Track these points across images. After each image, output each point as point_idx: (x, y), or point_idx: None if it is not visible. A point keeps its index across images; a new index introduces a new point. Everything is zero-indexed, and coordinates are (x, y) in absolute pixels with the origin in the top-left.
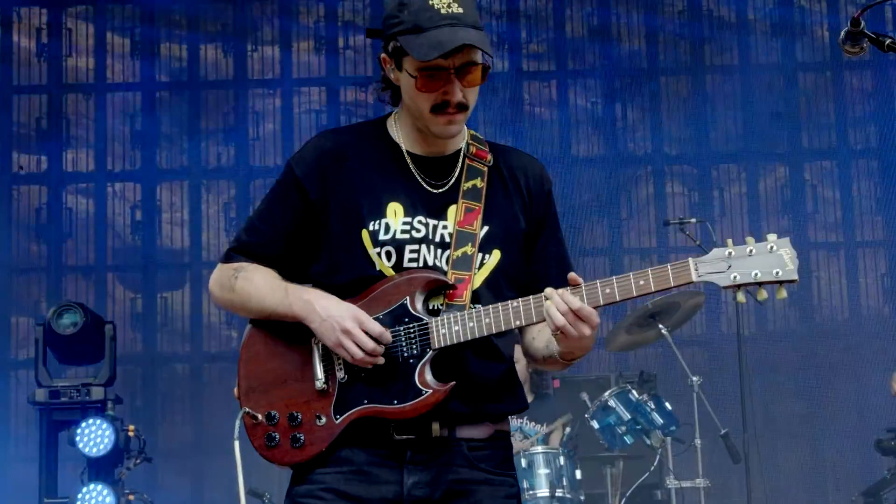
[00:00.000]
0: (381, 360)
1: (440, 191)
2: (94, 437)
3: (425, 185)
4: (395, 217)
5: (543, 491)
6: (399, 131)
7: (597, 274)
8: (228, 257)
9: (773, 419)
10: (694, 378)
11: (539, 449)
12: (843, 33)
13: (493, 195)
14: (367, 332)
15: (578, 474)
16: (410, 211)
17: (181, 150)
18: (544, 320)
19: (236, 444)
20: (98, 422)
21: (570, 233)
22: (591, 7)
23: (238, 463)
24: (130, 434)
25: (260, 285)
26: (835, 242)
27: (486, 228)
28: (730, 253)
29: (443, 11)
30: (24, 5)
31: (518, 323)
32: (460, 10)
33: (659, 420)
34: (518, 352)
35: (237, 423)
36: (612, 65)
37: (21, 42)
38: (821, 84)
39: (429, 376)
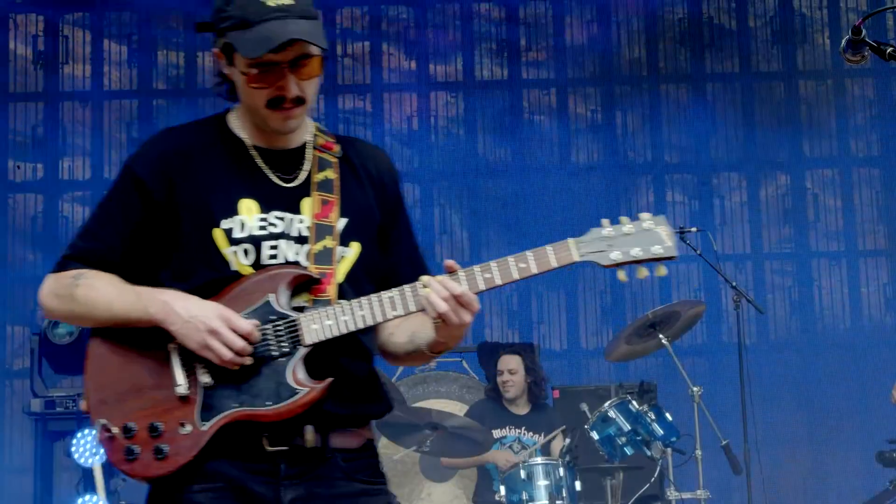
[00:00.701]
0: (249, 361)
1: (292, 185)
2: (90, 447)
3: (276, 180)
4: (249, 214)
5: (543, 502)
6: (241, 126)
7: (597, 284)
8: (63, 265)
9: (775, 430)
10: (694, 388)
11: (538, 460)
12: (844, 41)
13: (348, 186)
14: (234, 331)
15: (578, 485)
16: (265, 206)
17: None
18: (422, 309)
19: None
20: (93, 432)
21: None
22: (591, 14)
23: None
24: None
25: (106, 291)
26: (836, 251)
27: (344, 221)
28: (609, 232)
29: (270, 3)
30: (21, 12)
31: (394, 313)
32: (290, 2)
33: (659, 431)
34: (516, 362)
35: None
36: (611, 72)
37: (17, 49)
38: (822, 92)
39: (302, 375)
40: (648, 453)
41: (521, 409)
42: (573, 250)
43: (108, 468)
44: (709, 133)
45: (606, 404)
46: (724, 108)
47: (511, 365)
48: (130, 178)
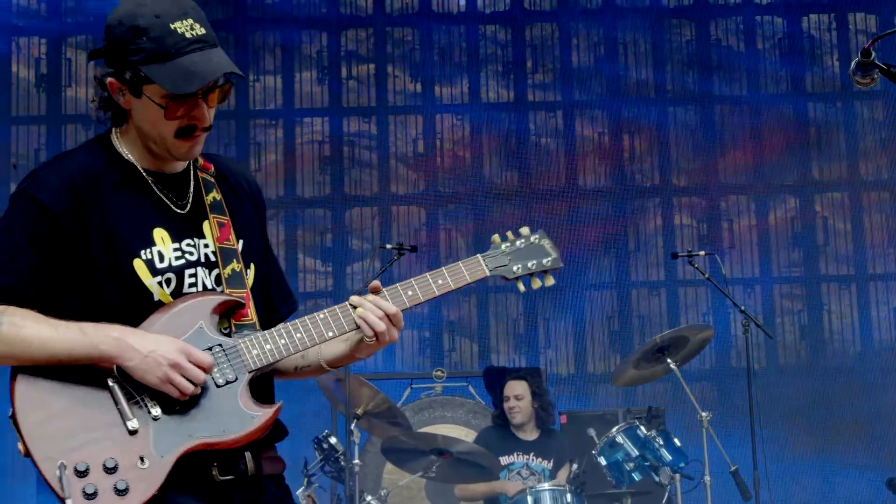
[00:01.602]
0: (198, 390)
1: (188, 209)
2: None
3: (172, 206)
4: (164, 244)
5: None
6: (129, 150)
7: (604, 309)
8: None
9: (784, 456)
10: (703, 413)
11: (546, 486)
12: (853, 64)
13: (233, 206)
14: (194, 364)
15: None
16: (174, 235)
17: None
18: (356, 328)
19: None
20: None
21: (576, 266)
22: (598, 36)
23: None
24: None
25: (38, 329)
26: (846, 275)
27: (241, 242)
28: (507, 247)
29: (188, 35)
30: (24, 35)
31: (331, 334)
32: (203, 31)
33: (668, 456)
34: (523, 388)
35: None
36: (619, 94)
37: (20, 71)
38: (831, 114)
39: (250, 400)
40: (657, 479)
41: (529, 434)
42: (483, 265)
43: None
44: (717, 156)
45: (614, 429)
46: (733, 130)
47: (517, 390)
48: (36, 206)
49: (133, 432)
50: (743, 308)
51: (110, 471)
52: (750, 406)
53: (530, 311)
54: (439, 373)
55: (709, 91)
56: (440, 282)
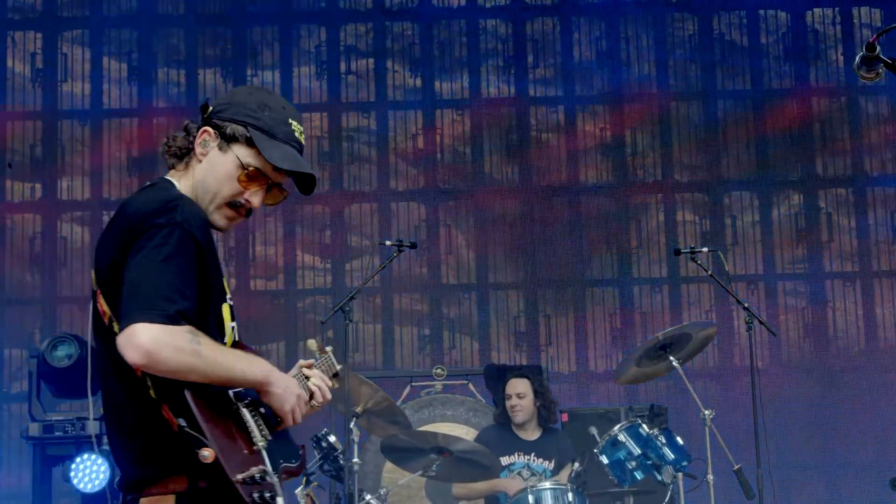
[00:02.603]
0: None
1: None
2: (89, 472)
3: None
4: (228, 292)
5: None
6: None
7: (606, 306)
8: (175, 320)
9: (788, 454)
10: (706, 411)
11: (547, 485)
12: (858, 58)
13: None
14: None
15: None
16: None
17: None
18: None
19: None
20: (93, 457)
21: (578, 262)
22: (600, 31)
23: None
24: None
25: (223, 351)
26: (850, 272)
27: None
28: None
29: (296, 134)
30: (19, 29)
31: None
32: (303, 143)
33: (670, 455)
34: (524, 386)
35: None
36: (620, 89)
37: (15, 67)
38: (835, 109)
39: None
40: (659, 478)
41: (531, 434)
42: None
43: (107, 494)
44: (720, 151)
45: (616, 428)
46: (736, 125)
47: (519, 389)
48: (192, 241)
49: (256, 452)
50: (746, 305)
51: (262, 482)
52: (753, 404)
53: (531, 308)
54: (439, 371)
55: (712, 86)
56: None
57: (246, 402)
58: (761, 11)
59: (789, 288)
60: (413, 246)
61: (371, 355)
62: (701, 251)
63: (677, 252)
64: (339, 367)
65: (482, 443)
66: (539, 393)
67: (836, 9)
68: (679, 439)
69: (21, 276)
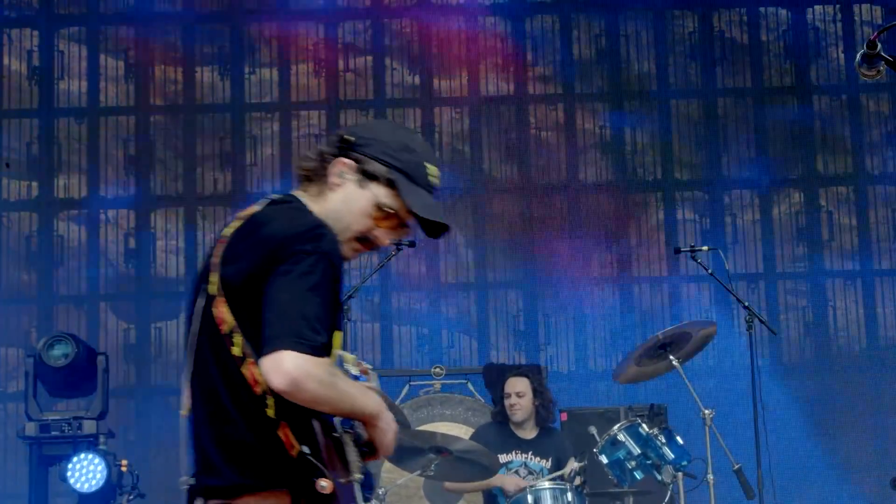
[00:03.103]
0: None
1: None
2: (86, 472)
3: None
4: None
5: None
6: None
7: (605, 305)
8: (320, 353)
9: (788, 454)
10: (706, 411)
11: (546, 484)
12: (859, 56)
13: None
14: None
15: None
16: None
17: (176, 175)
18: None
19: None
20: (90, 456)
21: (577, 262)
22: (599, 28)
23: None
24: (123, 469)
25: (348, 382)
26: (851, 271)
27: None
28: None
29: (433, 180)
30: (15, 27)
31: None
32: (438, 186)
33: (670, 454)
34: (524, 385)
35: None
36: (620, 87)
37: (12, 65)
38: (836, 107)
39: None
40: (659, 477)
41: (529, 432)
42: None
43: (104, 493)
44: (720, 149)
45: (616, 427)
46: (736, 123)
47: (518, 387)
48: (334, 273)
49: (350, 483)
50: (746, 304)
51: None
52: (753, 403)
53: (530, 307)
54: (438, 370)
55: (712, 83)
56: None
57: (347, 429)
58: (762, 9)
59: (790, 287)
60: (412, 244)
61: (369, 354)
62: (701, 249)
63: (677, 250)
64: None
65: (479, 440)
66: (538, 392)
67: (837, 6)
68: (679, 439)
69: (17, 275)
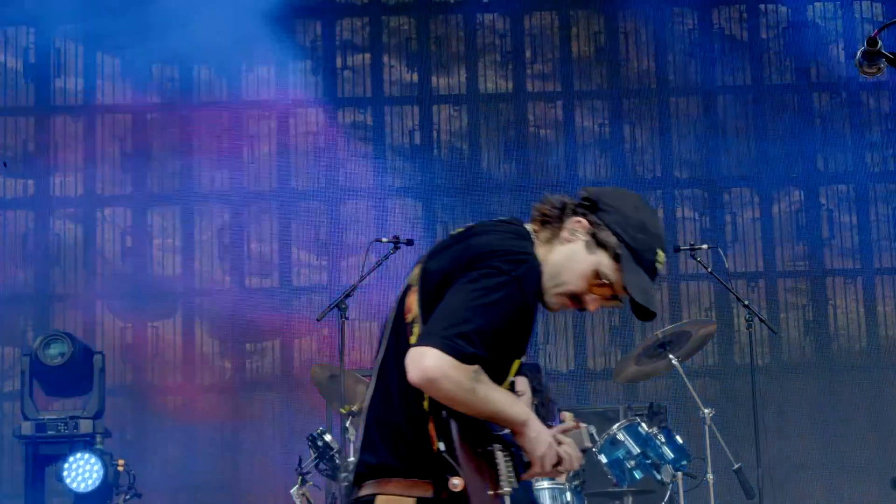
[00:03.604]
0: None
1: None
2: (83, 471)
3: None
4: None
5: None
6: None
7: None
8: (470, 360)
9: (788, 453)
10: (706, 410)
11: (545, 484)
12: (859, 53)
13: None
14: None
15: None
16: None
17: (173, 173)
18: None
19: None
20: (86, 456)
21: None
22: (598, 25)
23: None
24: (120, 469)
25: (498, 391)
26: (852, 269)
27: None
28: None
29: (658, 267)
30: (11, 24)
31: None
32: (662, 272)
33: (669, 454)
34: (522, 384)
35: None
36: (619, 85)
37: (8, 62)
38: (836, 105)
39: None
40: (658, 477)
41: None
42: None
43: (100, 493)
44: (720, 147)
45: (615, 427)
46: (736, 121)
47: (518, 386)
48: (520, 302)
49: (500, 495)
50: (746, 303)
51: None
52: (753, 403)
53: None
54: None
55: (711, 81)
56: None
57: (501, 443)
58: (761, 6)
59: (790, 285)
60: (409, 243)
61: (367, 353)
62: (700, 248)
63: (676, 249)
64: (588, 445)
65: None
66: (537, 391)
67: (838, 3)
68: (678, 438)
69: (13, 273)
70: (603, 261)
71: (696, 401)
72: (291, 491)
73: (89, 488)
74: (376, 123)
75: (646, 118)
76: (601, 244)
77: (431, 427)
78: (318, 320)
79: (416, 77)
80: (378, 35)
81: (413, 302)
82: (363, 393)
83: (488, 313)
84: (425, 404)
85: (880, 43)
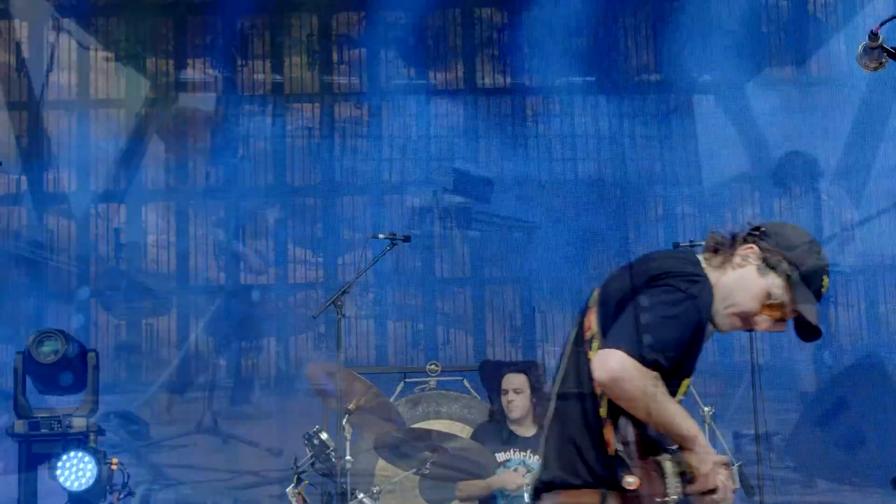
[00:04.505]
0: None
1: None
2: (76, 470)
3: None
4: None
5: None
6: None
7: None
8: (652, 365)
9: (788, 453)
10: (706, 408)
11: None
12: (861, 48)
13: None
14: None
15: None
16: None
17: (167, 169)
18: None
19: None
20: (80, 454)
21: (574, 256)
22: (597, 19)
23: None
24: (114, 467)
25: (671, 400)
26: (853, 266)
27: None
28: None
29: (822, 292)
30: (4, 18)
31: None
32: (823, 297)
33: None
34: (521, 381)
35: None
36: (619, 80)
37: (1, 56)
38: (837, 99)
39: None
40: None
41: (527, 430)
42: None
43: (94, 492)
44: (720, 143)
45: None
46: (737, 116)
47: (517, 384)
48: (696, 319)
49: (668, 502)
50: None
51: None
52: (754, 401)
53: (527, 303)
54: (433, 367)
55: (711, 75)
56: None
57: (671, 455)
58: None
59: None
60: (406, 239)
61: (364, 351)
62: (700, 244)
63: (676, 245)
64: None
65: (479, 440)
66: (536, 388)
67: None
68: None
69: (6, 270)
70: (775, 282)
71: (695, 399)
72: (287, 490)
73: (83, 487)
74: (373, 118)
75: (645, 113)
76: (772, 266)
77: (608, 431)
78: (314, 317)
79: (412, 72)
80: (374, 29)
81: (592, 321)
82: (360, 391)
83: (669, 326)
84: (602, 411)
85: (882, 38)
